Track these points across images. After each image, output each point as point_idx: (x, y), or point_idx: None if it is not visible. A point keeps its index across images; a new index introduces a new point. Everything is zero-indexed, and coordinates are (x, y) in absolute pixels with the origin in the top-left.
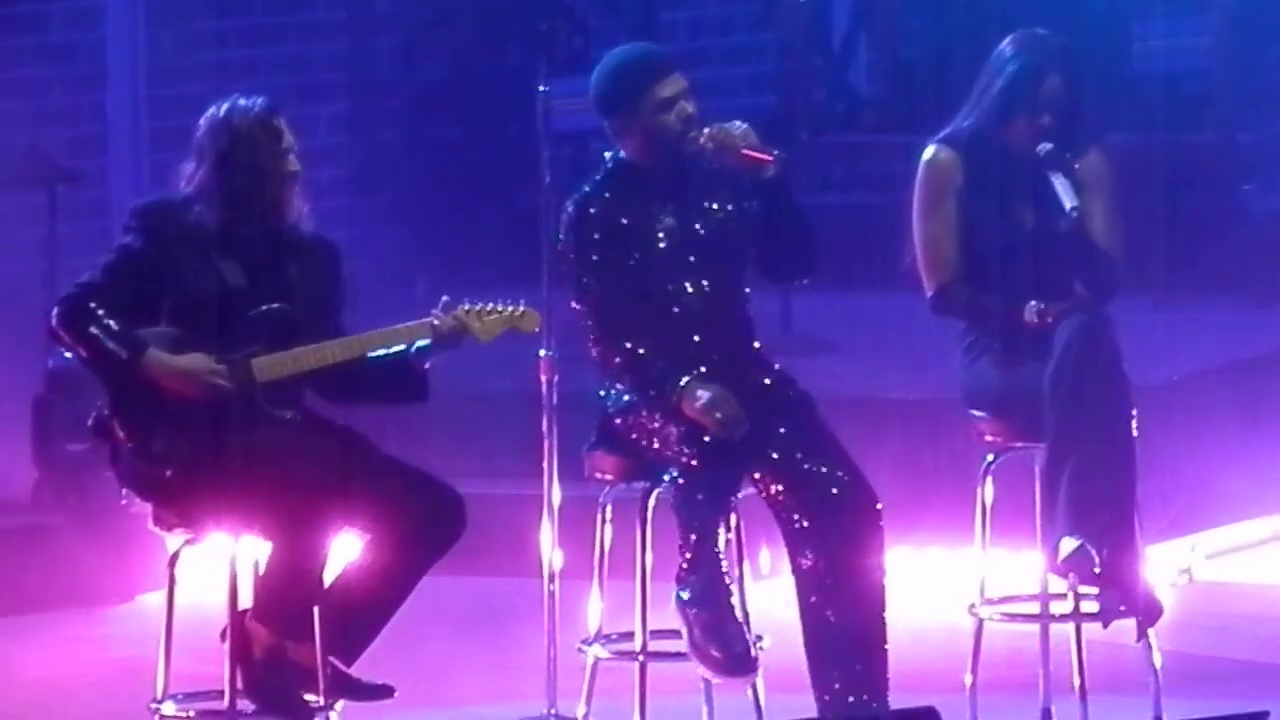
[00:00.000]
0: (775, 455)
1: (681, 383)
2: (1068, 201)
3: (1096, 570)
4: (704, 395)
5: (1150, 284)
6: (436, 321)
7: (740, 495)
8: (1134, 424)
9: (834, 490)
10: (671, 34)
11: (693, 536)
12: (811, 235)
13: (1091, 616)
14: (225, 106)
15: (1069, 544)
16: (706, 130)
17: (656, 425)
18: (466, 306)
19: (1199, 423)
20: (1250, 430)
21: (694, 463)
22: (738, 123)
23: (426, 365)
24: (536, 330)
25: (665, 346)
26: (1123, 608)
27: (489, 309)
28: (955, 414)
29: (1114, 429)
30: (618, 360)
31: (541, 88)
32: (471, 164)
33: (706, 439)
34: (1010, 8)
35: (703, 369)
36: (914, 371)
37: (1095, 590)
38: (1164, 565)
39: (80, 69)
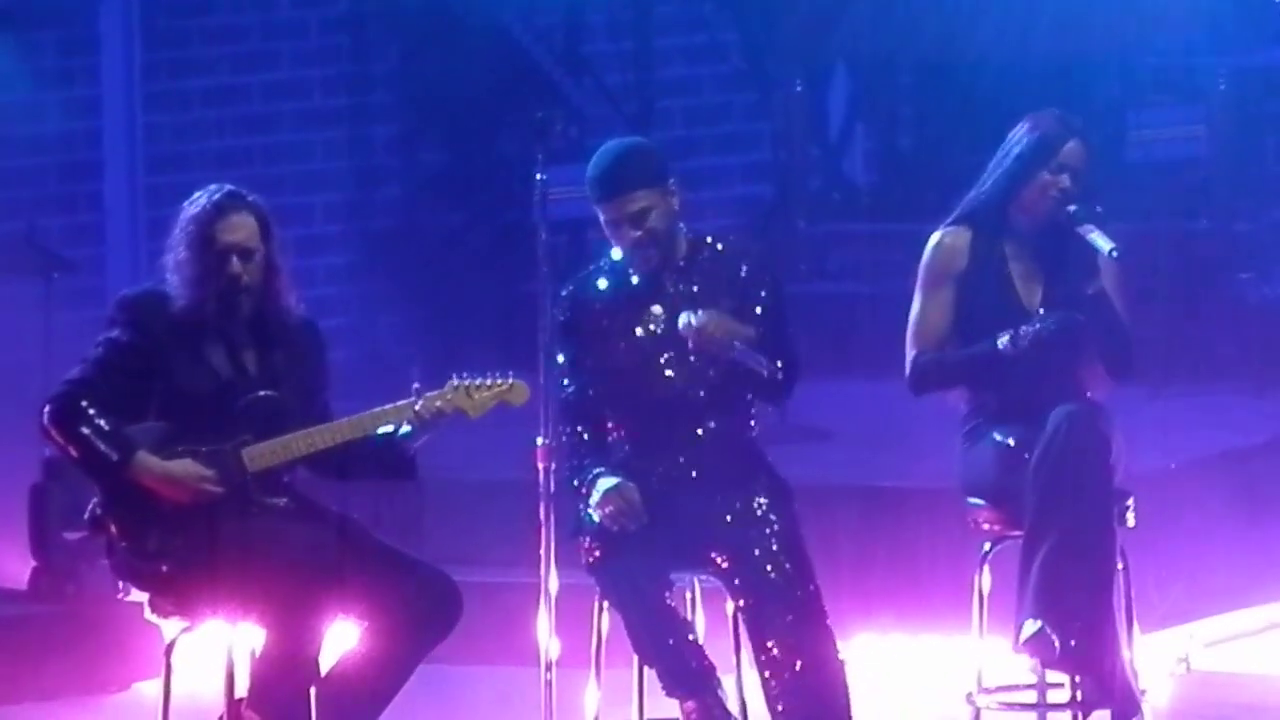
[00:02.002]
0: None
1: (593, 473)
2: (1106, 245)
3: (1056, 653)
4: (602, 487)
5: (1147, 372)
6: (418, 407)
7: (699, 585)
8: (1130, 513)
9: (772, 578)
10: (667, 122)
11: (635, 624)
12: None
13: (1066, 706)
14: (191, 198)
15: (1030, 626)
16: (690, 322)
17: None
18: (456, 382)
19: (1196, 511)
20: (1248, 518)
21: (596, 554)
22: (702, 317)
23: (414, 447)
24: (525, 403)
25: (639, 436)
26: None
27: (478, 384)
28: (952, 502)
29: (1092, 517)
30: (563, 439)
31: (538, 176)
32: (469, 251)
33: (608, 532)
34: (1007, 97)
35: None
36: (910, 460)
37: (1069, 677)
38: (1162, 654)
39: (77, 157)
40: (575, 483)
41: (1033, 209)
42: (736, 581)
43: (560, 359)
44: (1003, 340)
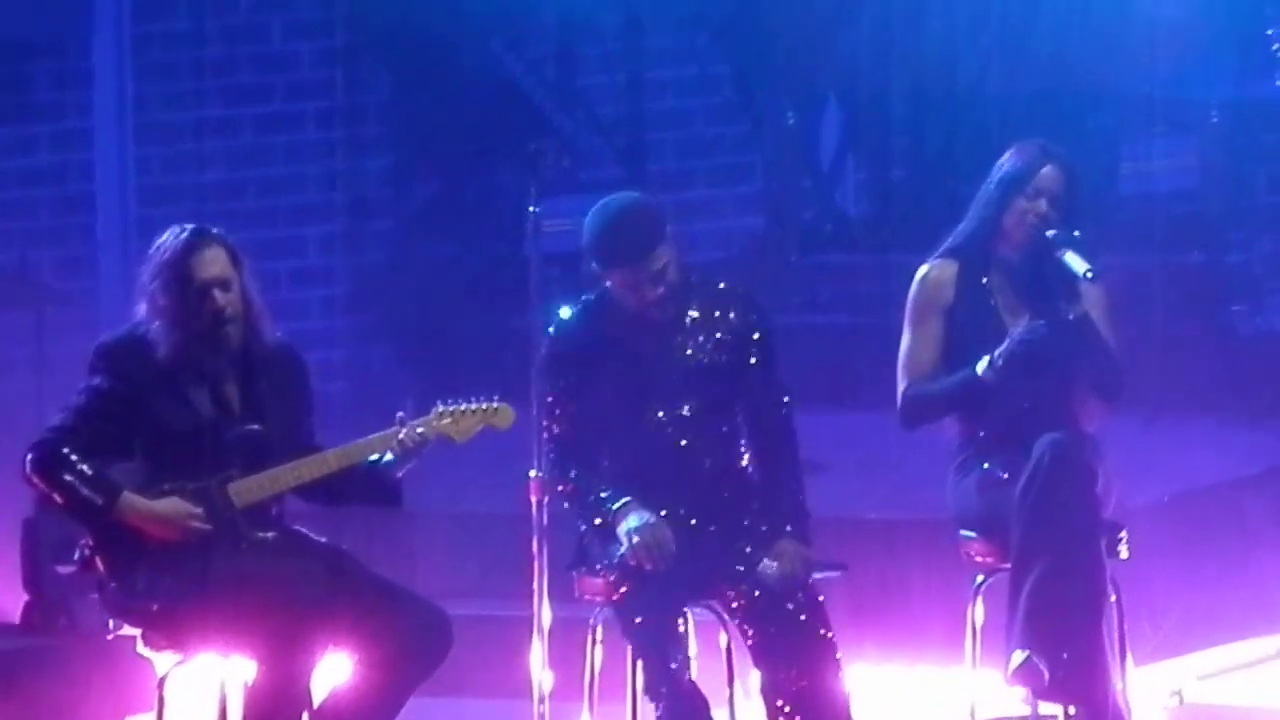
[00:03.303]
0: (738, 577)
1: (616, 505)
2: (1081, 267)
3: (1045, 682)
4: (630, 521)
5: (1140, 403)
6: (403, 435)
7: (691, 616)
8: (1124, 545)
9: (788, 609)
10: (659, 154)
11: (641, 655)
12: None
13: None
14: (160, 240)
15: (1018, 656)
16: (769, 564)
17: (592, 543)
18: (441, 408)
19: (1190, 542)
20: (1241, 551)
21: (622, 589)
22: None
23: (399, 474)
24: (510, 426)
25: (631, 474)
26: None
27: (463, 409)
28: (945, 534)
29: (1078, 546)
30: (560, 489)
31: (531, 208)
32: (461, 283)
33: (628, 565)
34: (999, 128)
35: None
36: (903, 491)
37: (1061, 708)
38: (1155, 686)
39: (69, 189)
40: (596, 519)
41: (1013, 237)
42: (747, 615)
43: (549, 399)
44: (981, 366)
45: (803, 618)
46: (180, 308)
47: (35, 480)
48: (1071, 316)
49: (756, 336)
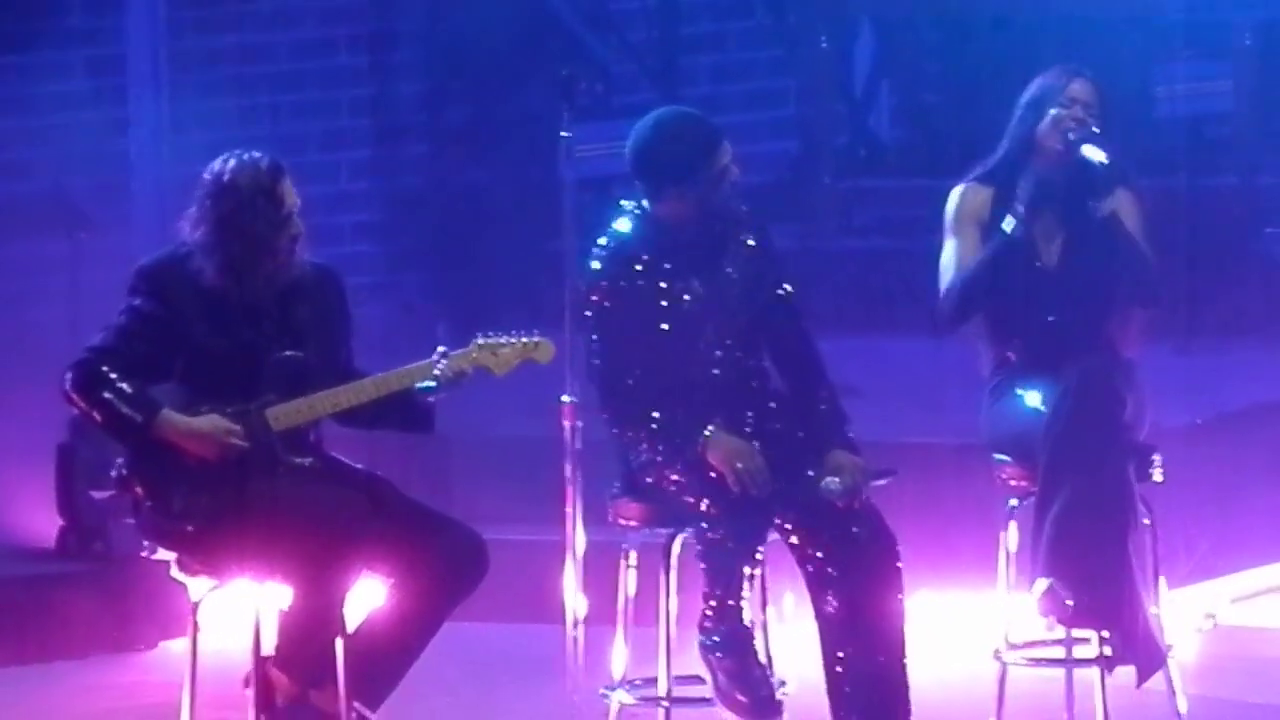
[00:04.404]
0: (798, 502)
1: (706, 432)
2: (1098, 156)
3: (1068, 611)
4: (728, 445)
5: (1172, 328)
6: (438, 370)
7: (765, 543)
8: (1157, 469)
9: (854, 532)
10: (693, 79)
11: (718, 586)
12: None
13: (1092, 662)
14: (231, 166)
15: (1041, 585)
16: (832, 489)
17: (680, 477)
18: (480, 340)
19: (1224, 466)
20: (1275, 474)
21: (715, 512)
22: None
23: (432, 399)
24: (551, 360)
25: (688, 406)
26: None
27: (503, 342)
28: (978, 458)
29: (1103, 472)
30: (631, 433)
31: (563, 133)
32: (494, 209)
33: (726, 489)
34: (1032, 52)
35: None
36: (937, 415)
37: (1094, 633)
38: (1189, 609)
39: (102, 115)
40: (677, 444)
41: (1049, 150)
42: (812, 536)
43: (599, 347)
44: (1007, 224)
45: (869, 533)
46: (267, 229)
47: (75, 398)
48: (1101, 215)
49: (769, 258)
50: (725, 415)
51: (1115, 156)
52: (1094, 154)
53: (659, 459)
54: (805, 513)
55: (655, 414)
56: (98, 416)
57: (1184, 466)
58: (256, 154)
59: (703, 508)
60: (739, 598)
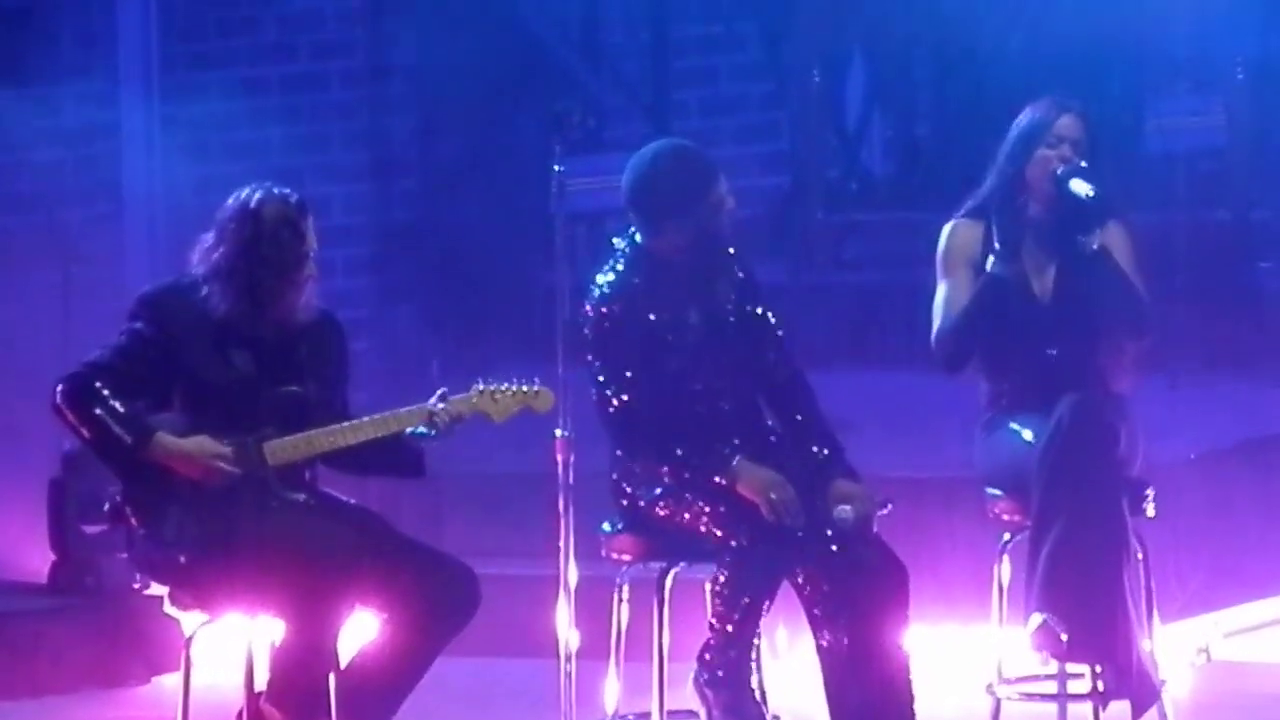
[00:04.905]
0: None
1: (734, 462)
2: (1084, 189)
3: (1062, 645)
4: (759, 475)
5: (1166, 362)
6: (433, 413)
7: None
8: (1150, 503)
9: (866, 561)
10: (684, 113)
11: (736, 616)
12: None
13: (1086, 696)
14: (258, 195)
15: (1035, 620)
16: (844, 509)
17: (703, 508)
18: (481, 386)
19: (1216, 501)
20: (1268, 508)
21: (744, 543)
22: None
23: (423, 444)
24: (549, 409)
25: (706, 438)
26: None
27: (503, 389)
28: (972, 492)
29: (1097, 507)
30: (650, 466)
31: (555, 167)
32: (486, 243)
33: (753, 521)
34: (1024, 86)
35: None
36: (930, 449)
37: (1088, 667)
38: (1182, 644)
39: (95, 149)
40: (703, 477)
41: (1038, 189)
42: (823, 568)
43: (614, 389)
44: (989, 264)
45: (881, 561)
46: (289, 263)
47: (65, 411)
48: (1092, 248)
49: (757, 290)
50: (735, 447)
51: (1103, 189)
52: (1080, 187)
53: (682, 491)
54: (820, 543)
55: (677, 446)
56: (86, 433)
57: (1177, 501)
58: (286, 190)
59: (731, 539)
60: (754, 631)
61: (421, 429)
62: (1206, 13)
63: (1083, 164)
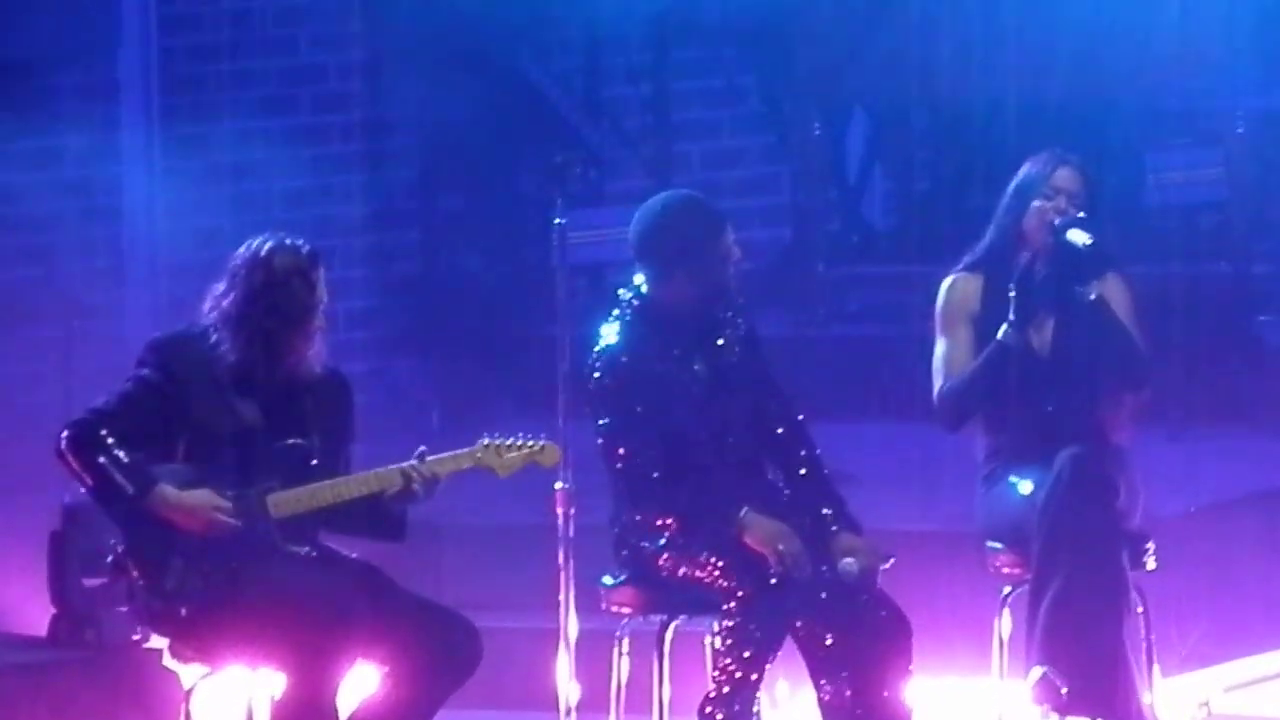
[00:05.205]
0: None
1: (743, 513)
2: (1082, 239)
3: (1062, 699)
4: (767, 527)
5: (1167, 415)
6: (409, 473)
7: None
8: (1151, 556)
9: (870, 614)
10: (686, 166)
11: (740, 667)
12: None
13: None
14: (269, 244)
15: (1035, 673)
16: (849, 562)
17: (709, 559)
18: (486, 441)
19: (1217, 554)
20: (1269, 561)
21: (750, 593)
22: (861, 562)
23: (408, 507)
24: (555, 465)
25: (714, 489)
26: None
27: (509, 444)
28: (972, 545)
29: (1097, 561)
30: (657, 517)
31: (557, 220)
32: (487, 295)
33: (760, 572)
34: (1024, 139)
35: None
36: (931, 502)
37: None
38: (1183, 698)
39: (96, 202)
40: (709, 529)
41: (1036, 241)
42: (829, 620)
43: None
44: (1001, 330)
45: (886, 615)
46: (295, 312)
47: (69, 458)
48: (1089, 299)
49: (758, 341)
50: (740, 499)
51: (1100, 239)
52: (1078, 237)
53: (688, 542)
54: (826, 595)
55: (684, 497)
56: (89, 480)
57: (1177, 554)
58: (299, 240)
59: (738, 589)
60: (758, 683)
61: (415, 487)
62: (1206, 67)
63: (1080, 215)
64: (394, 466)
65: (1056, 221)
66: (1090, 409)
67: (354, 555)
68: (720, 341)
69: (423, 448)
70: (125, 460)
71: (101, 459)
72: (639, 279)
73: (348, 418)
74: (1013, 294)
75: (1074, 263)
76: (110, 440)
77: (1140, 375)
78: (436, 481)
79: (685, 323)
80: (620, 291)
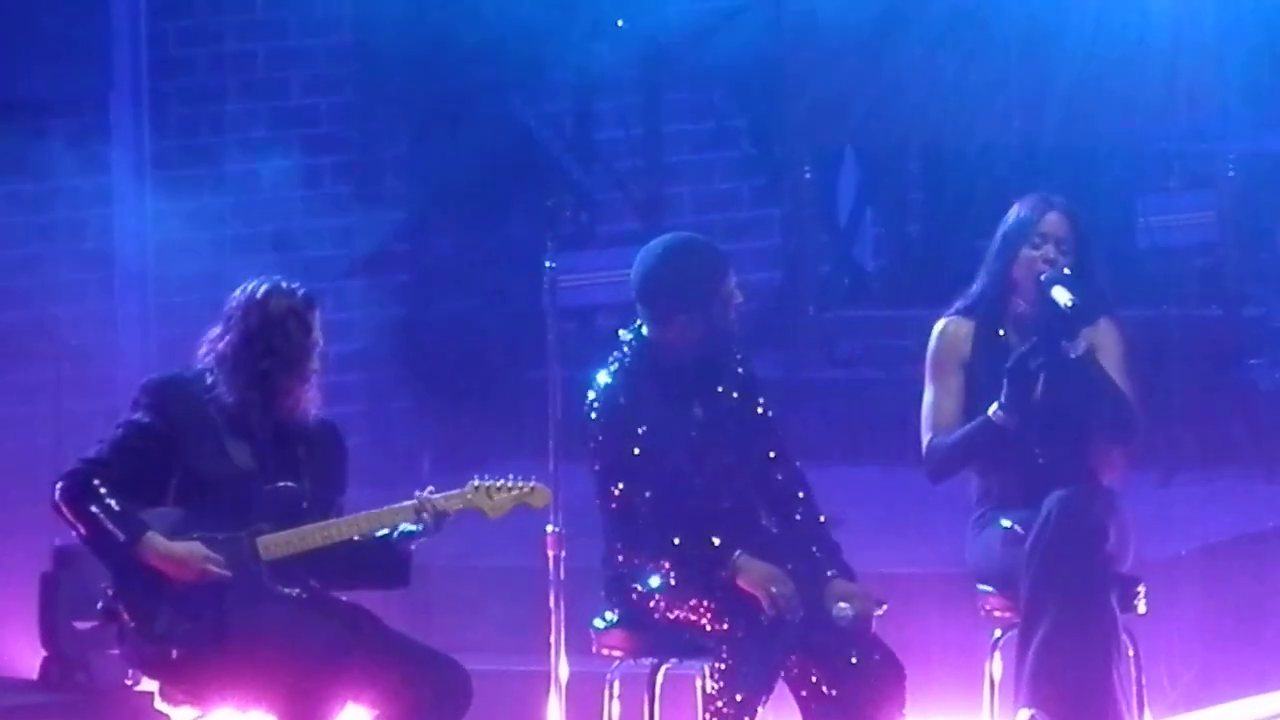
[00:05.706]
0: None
1: (736, 555)
2: (1064, 298)
3: None
4: (760, 570)
5: (1156, 459)
6: (419, 507)
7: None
8: (1141, 599)
9: (864, 659)
10: (677, 209)
11: (729, 713)
12: None
13: None
14: (265, 287)
15: (1023, 715)
16: (847, 615)
17: (701, 601)
18: (476, 482)
19: (1209, 597)
20: (1259, 604)
21: (742, 636)
22: (856, 607)
23: (412, 548)
24: (545, 506)
25: (707, 533)
26: None
27: (499, 485)
28: (963, 588)
29: (1085, 604)
30: (649, 560)
31: (548, 263)
32: (478, 338)
33: (753, 614)
34: (1015, 183)
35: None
36: (922, 545)
37: None
38: None
39: (87, 246)
40: (703, 572)
41: (1025, 289)
42: (823, 667)
43: (618, 487)
44: (992, 409)
45: (880, 660)
46: (291, 354)
47: (63, 509)
48: (1073, 355)
49: (756, 387)
50: (735, 543)
51: (1086, 293)
52: (1061, 296)
53: (681, 584)
54: (820, 641)
55: (676, 540)
56: (82, 529)
57: (1168, 597)
58: (295, 283)
59: (733, 631)
60: None
61: (409, 526)
62: (1198, 110)
63: (1066, 270)
64: (398, 505)
65: (1043, 277)
66: (1080, 458)
67: (344, 598)
68: (720, 388)
69: (431, 487)
70: (116, 509)
71: (93, 508)
72: (640, 321)
73: (340, 468)
74: (1005, 382)
75: (1060, 321)
76: (103, 490)
77: (1129, 430)
78: (445, 516)
79: (685, 366)
80: (620, 333)
